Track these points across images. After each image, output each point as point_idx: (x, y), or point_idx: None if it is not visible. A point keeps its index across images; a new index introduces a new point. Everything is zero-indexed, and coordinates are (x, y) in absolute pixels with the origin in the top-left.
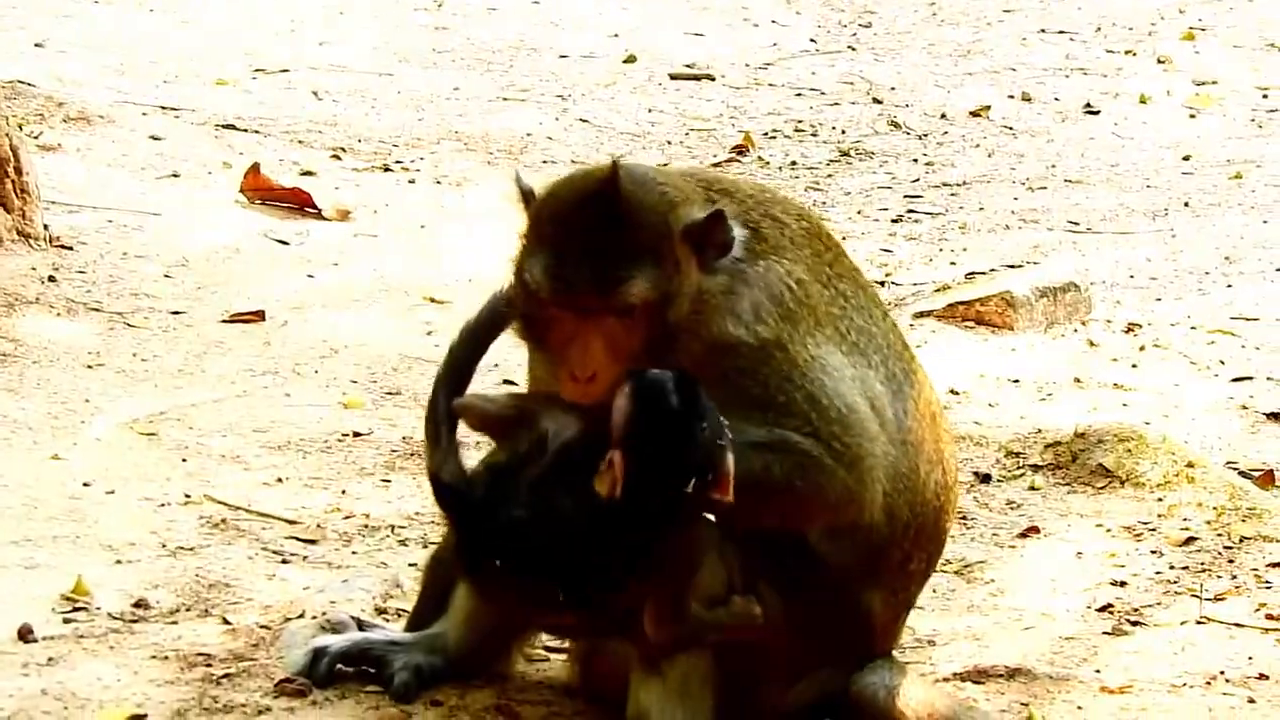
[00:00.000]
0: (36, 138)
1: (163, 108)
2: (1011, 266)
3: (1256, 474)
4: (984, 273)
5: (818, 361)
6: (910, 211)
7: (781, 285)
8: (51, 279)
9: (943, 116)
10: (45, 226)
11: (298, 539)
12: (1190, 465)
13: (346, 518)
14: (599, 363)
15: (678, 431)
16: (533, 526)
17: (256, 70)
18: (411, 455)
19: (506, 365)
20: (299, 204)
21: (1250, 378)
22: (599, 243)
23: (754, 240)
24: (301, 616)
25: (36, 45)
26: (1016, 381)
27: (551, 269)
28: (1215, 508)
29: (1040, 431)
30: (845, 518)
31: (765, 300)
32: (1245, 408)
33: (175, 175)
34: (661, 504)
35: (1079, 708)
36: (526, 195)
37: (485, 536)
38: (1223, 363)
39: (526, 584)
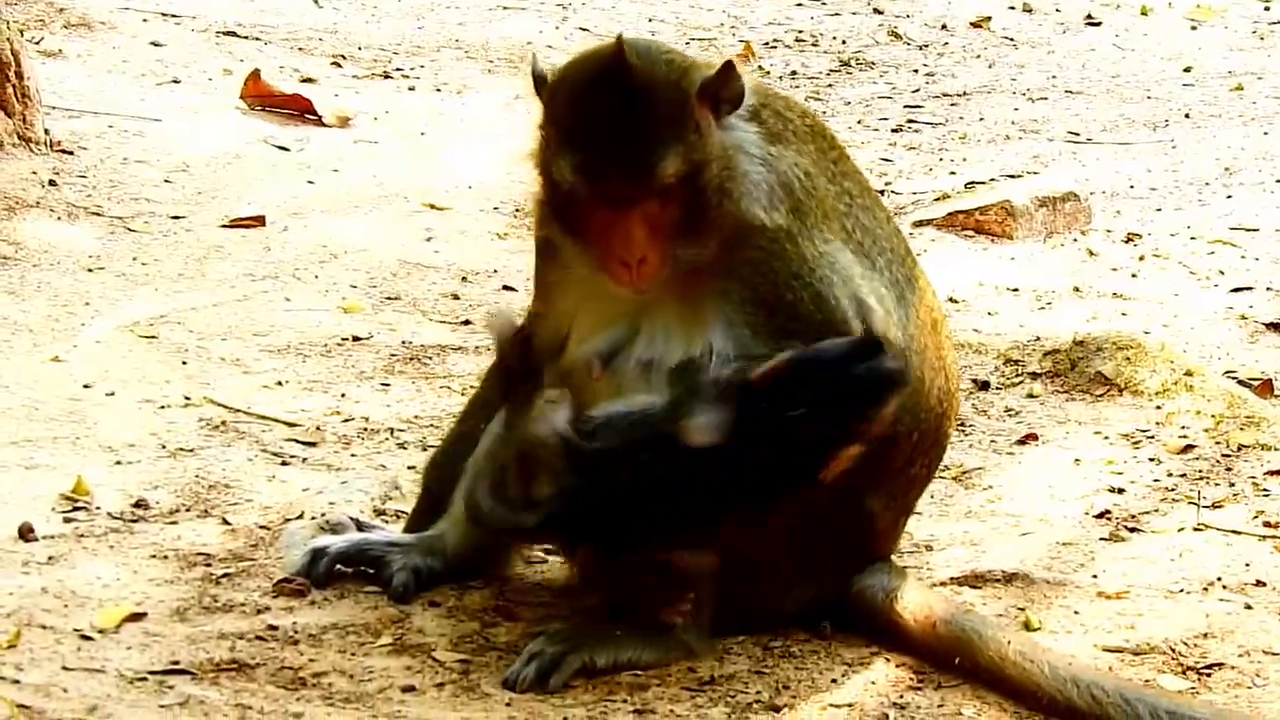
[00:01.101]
0: (37, 43)
1: (163, 14)
2: (1011, 176)
3: (1255, 383)
4: (984, 182)
5: (825, 258)
6: (910, 121)
7: (791, 174)
8: (52, 183)
9: (943, 27)
10: (46, 131)
11: (297, 441)
12: (1189, 374)
13: (345, 420)
14: (644, 246)
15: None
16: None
17: None
18: (410, 359)
19: (505, 270)
20: (299, 110)
21: (1250, 288)
22: (623, 129)
23: (759, 127)
24: (300, 517)
25: None
26: (1016, 290)
27: (581, 166)
28: (1213, 416)
29: (1039, 339)
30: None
31: (778, 186)
32: (1244, 317)
33: (176, 81)
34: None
35: (1075, 612)
36: (539, 80)
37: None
38: (1222, 273)
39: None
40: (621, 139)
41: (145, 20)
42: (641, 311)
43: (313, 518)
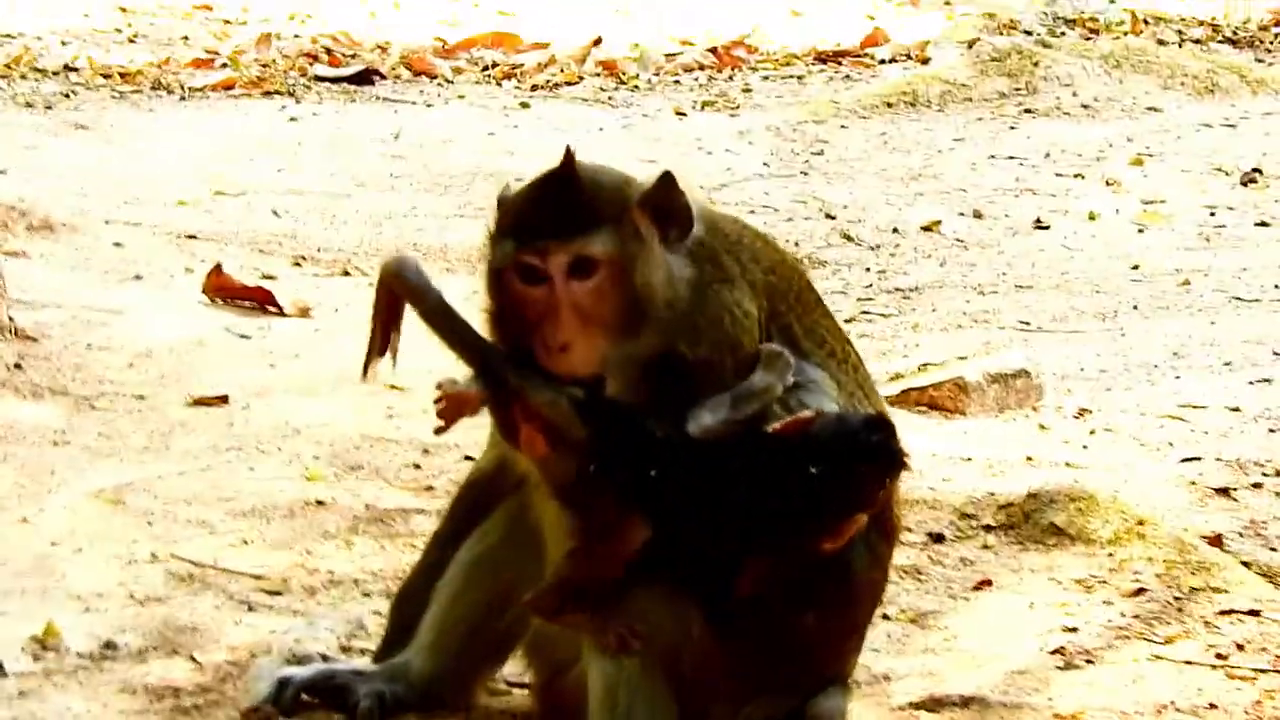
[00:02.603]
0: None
1: (125, 223)
2: (963, 359)
3: (1205, 539)
4: (937, 364)
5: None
6: (864, 313)
7: (730, 311)
8: (18, 366)
9: (894, 230)
10: (10, 319)
11: (263, 591)
12: (1140, 523)
13: (311, 573)
14: (571, 331)
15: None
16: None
17: (216, 193)
18: (375, 521)
19: (466, 444)
20: (260, 302)
21: (1199, 458)
22: (558, 204)
23: (713, 266)
24: (269, 653)
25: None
26: (969, 460)
27: (513, 232)
28: (1165, 561)
29: (993, 494)
30: None
31: (718, 319)
32: (1194, 483)
33: (138, 278)
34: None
35: None
36: (501, 204)
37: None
38: (1171, 444)
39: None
40: (553, 209)
41: (107, 223)
42: None
43: (280, 653)
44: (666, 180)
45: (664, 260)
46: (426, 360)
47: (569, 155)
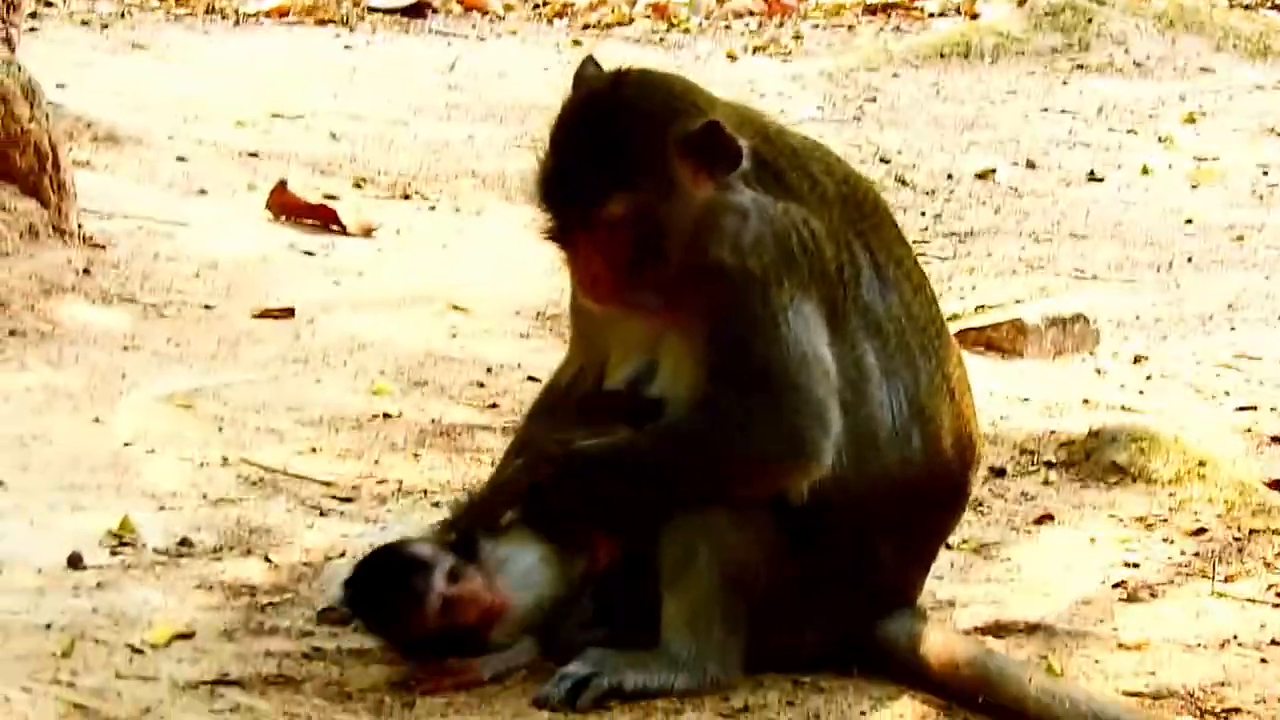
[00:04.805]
0: (67, 154)
1: (188, 139)
2: (1019, 302)
3: (1265, 484)
4: (994, 306)
5: (790, 313)
6: (920, 255)
7: (792, 229)
8: (86, 271)
9: (949, 177)
10: (79, 225)
11: (334, 497)
12: (1201, 464)
13: (380, 483)
14: (597, 268)
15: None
16: None
17: (274, 115)
18: (441, 434)
19: (529, 365)
20: (324, 220)
21: (1255, 407)
22: (583, 158)
23: (777, 186)
24: (343, 555)
25: (59, 86)
26: (1026, 400)
27: (541, 183)
28: (1226, 502)
29: (1053, 432)
30: (799, 467)
31: (769, 235)
32: (1250, 431)
33: (202, 192)
34: None
35: (1096, 661)
36: (575, 82)
37: None
38: (1228, 393)
39: None
40: (577, 166)
41: (170, 138)
42: (659, 345)
43: (354, 557)
44: (709, 129)
45: (707, 199)
46: (488, 285)
47: (615, 86)
